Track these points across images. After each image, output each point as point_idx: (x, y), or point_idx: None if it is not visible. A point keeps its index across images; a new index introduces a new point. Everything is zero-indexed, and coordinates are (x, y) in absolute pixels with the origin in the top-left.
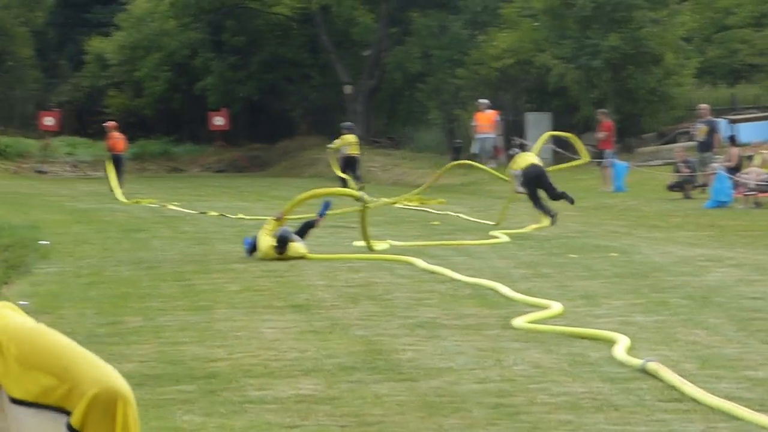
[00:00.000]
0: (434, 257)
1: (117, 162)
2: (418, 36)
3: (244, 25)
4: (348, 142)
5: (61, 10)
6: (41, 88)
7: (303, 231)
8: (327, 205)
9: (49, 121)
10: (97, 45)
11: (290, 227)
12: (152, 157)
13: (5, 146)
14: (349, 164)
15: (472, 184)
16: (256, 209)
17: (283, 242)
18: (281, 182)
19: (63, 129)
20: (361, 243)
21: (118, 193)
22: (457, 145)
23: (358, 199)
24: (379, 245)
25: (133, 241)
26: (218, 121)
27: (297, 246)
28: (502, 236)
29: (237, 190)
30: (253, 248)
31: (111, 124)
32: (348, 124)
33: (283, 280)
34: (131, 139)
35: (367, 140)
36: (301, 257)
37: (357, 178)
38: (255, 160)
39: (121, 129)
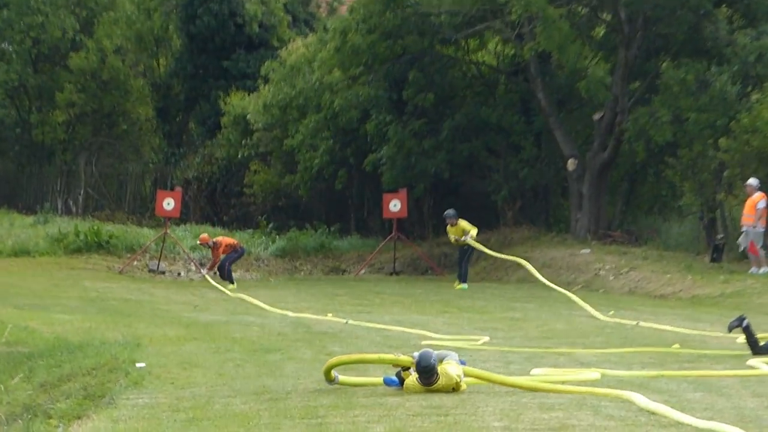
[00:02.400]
0: (661, 392)
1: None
2: (667, 93)
3: (433, 79)
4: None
5: (191, 57)
6: (162, 159)
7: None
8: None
9: (169, 204)
10: (238, 103)
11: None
12: (306, 254)
13: (110, 237)
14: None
15: (737, 295)
16: (437, 324)
17: (427, 372)
18: (476, 288)
19: (188, 214)
20: (544, 370)
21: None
22: (718, 242)
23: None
24: (586, 373)
25: (260, 365)
26: (395, 206)
27: (449, 369)
28: (764, 367)
29: (414, 298)
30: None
31: (204, 237)
32: (452, 212)
33: (448, 419)
34: (279, 228)
35: (594, 233)
36: (455, 387)
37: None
38: (443, 260)
39: (266, 215)
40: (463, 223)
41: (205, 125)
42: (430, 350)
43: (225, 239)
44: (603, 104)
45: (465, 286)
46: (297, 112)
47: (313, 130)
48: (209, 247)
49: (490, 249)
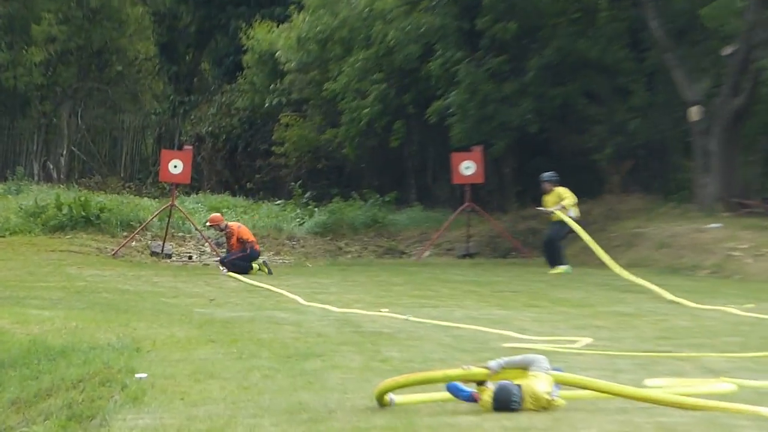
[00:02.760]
0: None
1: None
2: None
3: (515, 3)
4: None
5: None
6: (167, 110)
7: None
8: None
9: (177, 167)
10: (264, 37)
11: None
12: (353, 231)
13: (101, 210)
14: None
15: None
16: (523, 321)
17: (502, 405)
18: (574, 275)
19: (201, 181)
20: (659, 381)
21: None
22: None
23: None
24: (717, 384)
25: (295, 375)
26: (467, 169)
27: (536, 386)
28: None
29: (493, 288)
30: (472, 399)
31: (216, 217)
32: (549, 174)
33: None
34: (318, 198)
35: (725, 202)
36: (546, 404)
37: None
38: (531, 237)
39: (301, 181)
40: (560, 191)
41: (222, 66)
42: (510, 385)
43: (239, 229)
44: (735, 35)
45: (566, 267)
46: (340, 48)
47: (360, 70)
48: (221, 230)
49: (590, 231)
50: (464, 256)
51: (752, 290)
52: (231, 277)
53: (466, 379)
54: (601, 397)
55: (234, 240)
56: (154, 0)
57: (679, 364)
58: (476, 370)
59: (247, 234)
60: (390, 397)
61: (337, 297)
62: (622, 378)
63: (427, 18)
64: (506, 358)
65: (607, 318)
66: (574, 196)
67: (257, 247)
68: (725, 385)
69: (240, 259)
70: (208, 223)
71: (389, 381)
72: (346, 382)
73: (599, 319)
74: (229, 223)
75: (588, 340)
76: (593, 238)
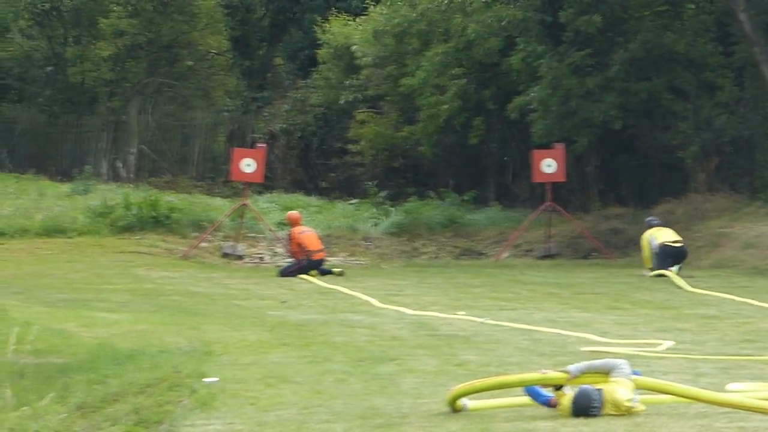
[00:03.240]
0: None
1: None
2: None
3: None
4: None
5: None
6: (240, 107)
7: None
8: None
9: (249, 166)
10: (340, 30)
11: None
12: (429, 231)
13: (171, 210)
14: None
15: None
16: (604, 324)
17: (581, 411)
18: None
19: (274, 179)
20: (741, 386)
21: None
22: None
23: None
24: None
25: (369, 378)
26: (549, 167)
27: (617, 393)
28: None
29: (572, 289)
30: (550, 404)
31: (294, 216)
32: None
33: None
34: (394, 197)
35: None
36: (626, 411)
37: None
38: (613, 237)
39: (377, 180)
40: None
41: (296, 60)
42: (591, 389)
43: (300, 235)
44: None
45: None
46: (418, 42)
47: (439, 65)
48: None
49: (674, 230)
50: (544, 257)
51: None
52: (303, 279)
53: (544, 384)
54: (681, 401)
55: (293, 245)
56: None
57: (763, 368)
58: (554, 375)
59: (310, 242)
60: (463, 402)
61: (413, 299)
62: (704, 382)
63: (508, 11)
64: (586, 363)
65: (689, 320)
66: (646, 245)
67: (318, 256)
68: None
69: (294, 272)
70: (286, 220)
71: (463, 386)
72: (421, 387)
73: (682, 322)
74: (293, 229)
75: (669, 343)
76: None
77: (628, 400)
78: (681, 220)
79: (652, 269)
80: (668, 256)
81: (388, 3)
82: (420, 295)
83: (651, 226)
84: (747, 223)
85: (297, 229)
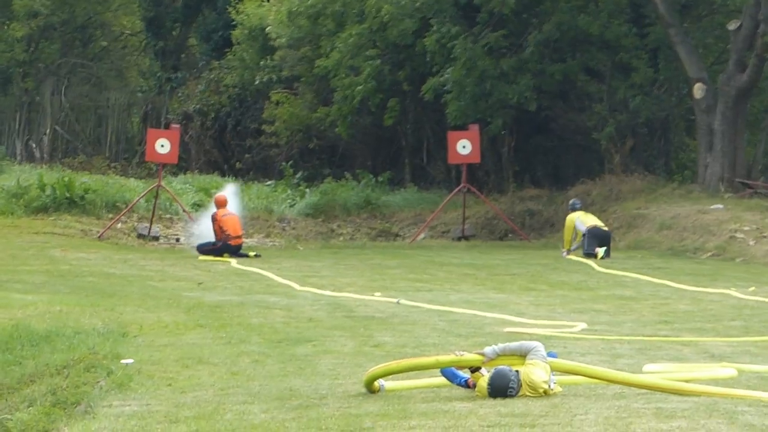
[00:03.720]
0: None
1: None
2: None
3: None
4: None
5: None
6: (154, 87)
7: None
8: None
9: (164, 146)
10: (254, 11)
11: None
12: (345, 213)
13: (85, 191)
14: None
15: None
16: (520, 305)
17: (498, 392)
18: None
19: (189, 160)
20: (658, 367)
21: None
22: None
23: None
24: (718, 370)
25: (286, 360)
26: (464, 148)
27: (534, 374)
28: None
29: (488, 270)
30: (467, 385)
31: (220, 198)
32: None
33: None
34: (310, 178)
35: (729, 182)
36: (543, 393)
37: None
38: (528, 219)
39: (292, 161)
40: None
41: (211, 41)
42: (508, 370)
43: (223, 219)
44: (741, 9)
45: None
46: (333, 23)
47: (353, 46)
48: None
49: (590, 211)
50: (460, 239)
51: (754, 273)
52: (220, 261)
53: (460, 366)
54: (599, 382)
55: (215, 227)
56: None
57: (679, 348)
58: (470, 357)
59: (230, 226)
60: (380, 383)
61: (329, 281)
62: (621, 363)
63: None
64: (502, 345)
65: (606, 301)
66: (572, 226)
67: (236, 242)
68: (726, 370)
69: (210, 251)
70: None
71: (379, 367)
72: (338, 368)
73: (599, 303)
74: (217, 211)
75: (583, 325)
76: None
77: (545, 382)
78: (596, 202)
79: (570, 251)
80: (596, 238)
81: None
82: (336, 276)
83: (575, 209)
84: (662, 204)
85: (220, 212)
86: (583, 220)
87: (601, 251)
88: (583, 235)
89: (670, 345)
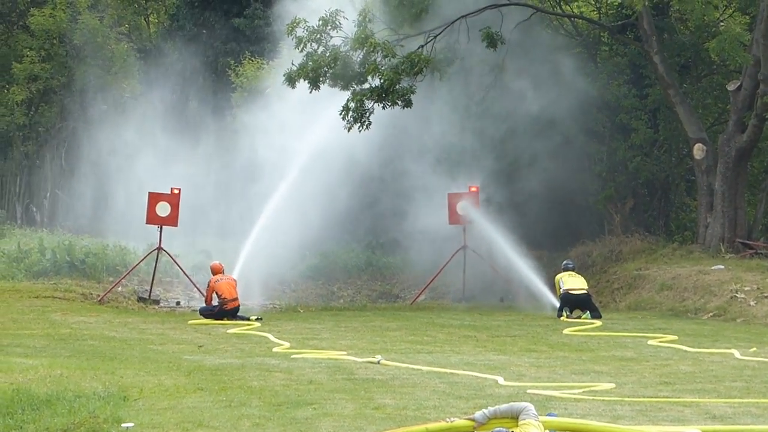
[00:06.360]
0: None
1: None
2: None
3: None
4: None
5: (191, 13)
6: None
7: None
8: None
9: (164, 209)
10: (252, 73)
11: None
12: (346, 274)
13: (86, 255)
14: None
15: None
16: (522, 367)
17: None
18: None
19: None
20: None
21: None
22: None
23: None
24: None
25: (286, 423)
26: (461, 208)
27: None
28: None
29: (490, 332)
30: None
31: (214, 266)
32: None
33: None
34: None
35: (729, 243)
36: None
37: None
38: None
39: None
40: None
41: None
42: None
43: (217, 284)
44: (741, 70)
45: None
46: None
47: None
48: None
49: (590, 273)
50: (460, 300)
51: (756, 333)
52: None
53: None
54: None
55: (208, 293)
56: (139, 36)
57: (680, 410)
58: (460, 422)
59: (224, 290)
60: None
61: (329, 343)
62: (622, 425)
63: None
64: (492, 408)
65: (607, 363)
66: (557, 286)
67: (232, 305)
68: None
69: (209, 315)
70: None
71: None
72: (338, 431)
73: (599, 364)
74: (213, 277)
75: (611, 385)
76: (592, 280)
77: None
78: (597, 263)
79: (563, 313)
80: (568, 302)
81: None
82: (336, 339)
83: (566, 269)
84: (662, 264)
85: (214, 278)
86: (564, 280)
87: (585, 315)
88: (560, 297)
89: (671, 406)
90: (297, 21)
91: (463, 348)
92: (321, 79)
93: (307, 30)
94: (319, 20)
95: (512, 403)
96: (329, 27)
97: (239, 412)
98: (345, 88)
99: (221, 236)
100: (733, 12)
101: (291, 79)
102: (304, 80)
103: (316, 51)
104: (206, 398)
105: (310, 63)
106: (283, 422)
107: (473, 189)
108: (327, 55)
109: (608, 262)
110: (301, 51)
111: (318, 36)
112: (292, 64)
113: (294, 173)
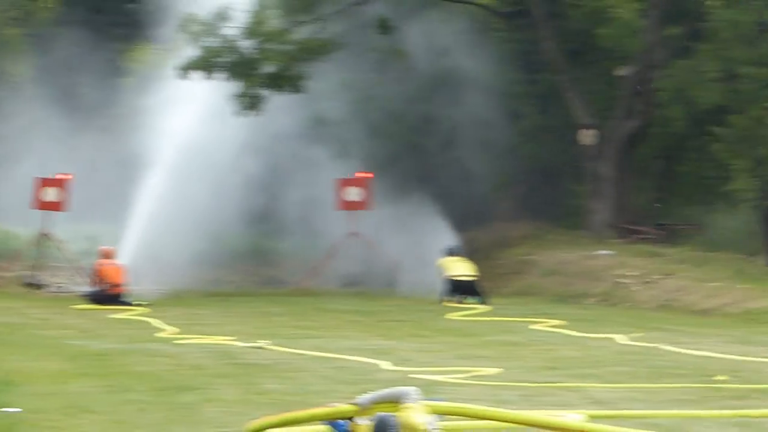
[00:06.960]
0: None
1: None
2: (715, 41)
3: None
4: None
5: None
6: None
7: None
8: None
9: (51, 194)
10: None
11: None
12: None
13: None
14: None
15: None
16: (408, 352)
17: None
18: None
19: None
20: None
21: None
22: None
23: None
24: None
25: (170, 408)
26: (352, 193)
27: (412, 418)
28: None
29: (377, 317)
30: None
31: (105, 249)
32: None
33: None
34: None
35: (618, 229)
36: None
37: None
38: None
39: None
40: None
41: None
42: (389, 417)
43: (103, 268)
44: (630, 56)
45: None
46: None
47: None
48: None
49: (475, 259)
50: (345, 285)
51: (640, 318)
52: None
53: (334, 417)
54: (482, 426)
55: (94, 275)
56: (31, 21)
57: (564, 394)
58: (343, 407)
59: (110, 275)
60: None
61: (215, 329)
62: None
63: None
64: (375, 393)
65: (492, 347)
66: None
67: (116, 290)
68: (574, 416)
69: (95, 300)
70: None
71: (257, 421)
72: (222, 416)
73: (484, 349)
74: (100, 260)
75: (497, 370)
76: (479, 266)
77: (424, 424)
78: (483, 248)
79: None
80: (456, 290)
81: None
82: (222, 324)
83: (449, 254)
84: (549, 250)
85: (101, 261)
86: (450, 266)
87: (472, 300)
88: (445, 283)
89: (555, 391)
90: (191, 17)
91: (350, 333)
92: (214, 69)
93: (201, 25)
94: (211, 15)
95: (395, 388)
96: (222, 20)
97: (124, 397)
98: (238, 77)
99: (111, 221)
100: None
101: (183, 70)
102: (197, 71)
103: (210, 45)
104: (91, 383)
105: (204, 54)
106: (168, 407)
107: (363, 175)
108: (221, 46)
109: (495, 247)
110: (195, 45)
111: (211, 30)
112: (185, 55)
113: (178, 158)
